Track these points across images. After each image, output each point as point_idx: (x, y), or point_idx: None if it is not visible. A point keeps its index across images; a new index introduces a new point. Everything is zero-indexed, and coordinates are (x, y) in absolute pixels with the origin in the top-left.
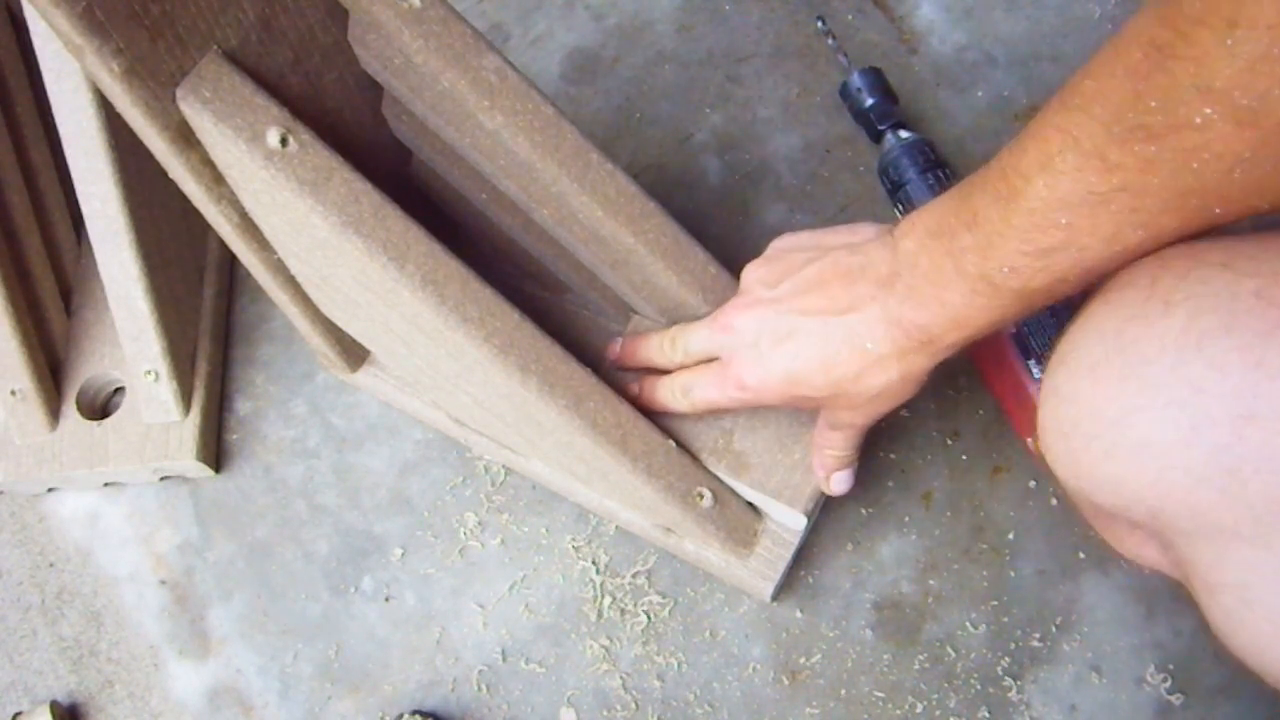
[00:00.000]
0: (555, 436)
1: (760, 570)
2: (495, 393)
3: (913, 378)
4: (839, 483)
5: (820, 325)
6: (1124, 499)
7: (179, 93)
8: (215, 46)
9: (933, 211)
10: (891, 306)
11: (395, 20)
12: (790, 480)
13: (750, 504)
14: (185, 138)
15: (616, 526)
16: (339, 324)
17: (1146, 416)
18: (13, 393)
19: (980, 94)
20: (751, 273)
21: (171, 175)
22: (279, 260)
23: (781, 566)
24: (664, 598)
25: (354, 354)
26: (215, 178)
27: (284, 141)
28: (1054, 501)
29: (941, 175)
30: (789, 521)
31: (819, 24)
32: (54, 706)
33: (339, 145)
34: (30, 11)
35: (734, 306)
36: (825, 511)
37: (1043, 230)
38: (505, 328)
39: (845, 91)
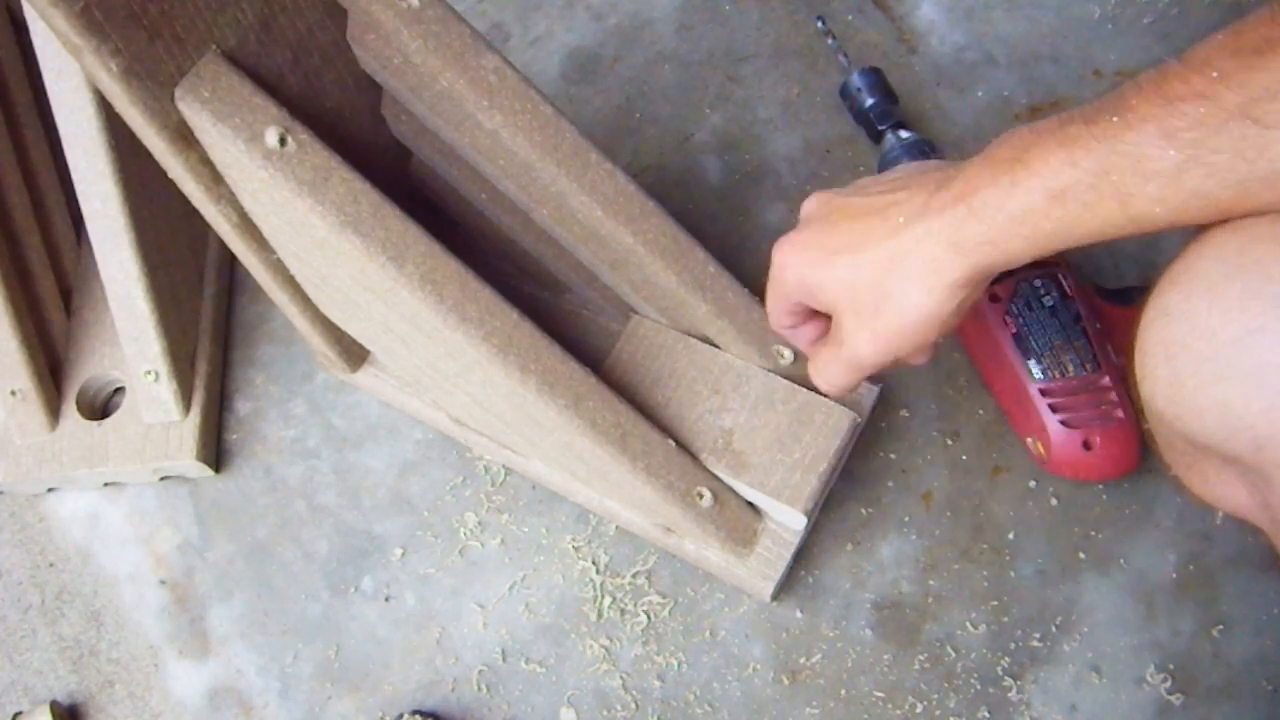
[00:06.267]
0: (555, 436)
1: (760, 570)
2: (495, 392)
3: (922, 267)
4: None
5: (854, 200)
6: (1228, 428)
7: (177, 92)
8: (214, 46)
9: None
10: (930, 167)
11: (394, 20)
12: (790, 480)
13: (750, 504)
14: (184, 137)
15: (616, 526)
16: (339, 324)
17: (1268, 339)
18: (13, 393)
19: (980, 94)
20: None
21: (171, 175)
22: (278, 260)
23: (781, 566)
24: (664, 598)
25: (354, 354)
26: (214, 177)
27: (283, 141)
28: (1054, 501)
29: None
30: (789, 521)
31: (819, 24)
32: (54, 706)
33: (338, 145)
34: (30, 11)
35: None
36: (825, 511)
37: (1187, 75)
38: (504, 327)
39: (845, 91)
